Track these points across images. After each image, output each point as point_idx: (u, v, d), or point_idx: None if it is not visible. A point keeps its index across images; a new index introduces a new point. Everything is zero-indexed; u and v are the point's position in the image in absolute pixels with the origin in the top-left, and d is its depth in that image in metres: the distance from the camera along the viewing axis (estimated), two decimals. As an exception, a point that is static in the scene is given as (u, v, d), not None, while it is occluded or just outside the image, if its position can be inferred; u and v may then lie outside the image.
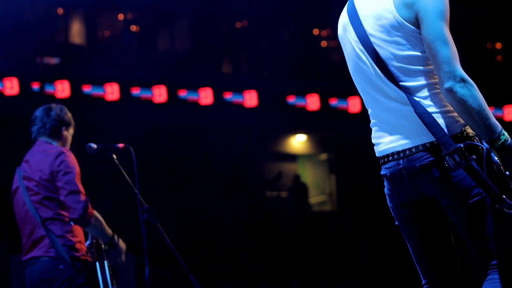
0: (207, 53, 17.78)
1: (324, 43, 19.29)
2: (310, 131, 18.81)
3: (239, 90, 17.07)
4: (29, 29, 15.40)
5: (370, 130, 3.15)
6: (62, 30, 16.98)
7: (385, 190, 3.13)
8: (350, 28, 3.07)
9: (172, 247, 5.02)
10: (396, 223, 3.16)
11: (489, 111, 2.85)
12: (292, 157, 19.40)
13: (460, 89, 2.82)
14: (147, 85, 16.32)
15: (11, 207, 4.95)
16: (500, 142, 2.86)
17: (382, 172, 3.10)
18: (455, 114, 2.92)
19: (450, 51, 2.85)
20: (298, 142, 19.25)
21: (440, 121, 2.91)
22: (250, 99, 17.08)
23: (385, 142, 3.05)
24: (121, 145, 5.14)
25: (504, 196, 2.80)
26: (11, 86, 14.95)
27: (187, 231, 13.89)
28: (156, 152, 15.62)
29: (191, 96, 16.73)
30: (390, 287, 12.94)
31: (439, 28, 2.87)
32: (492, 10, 18.62)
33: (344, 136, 17.85)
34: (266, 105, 17.16)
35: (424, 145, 2.94)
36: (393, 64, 2.96)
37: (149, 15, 17.34)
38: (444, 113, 2.93)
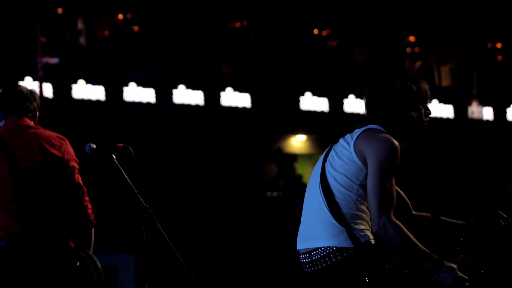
0: (207, 52, 17.78)
1: (324, 43, 19.28)
2: (310, 131, 18.80)
3: (239, 90, 17.07)
4: (29, 28, 15.40)
5: None
6: (62, 30, 16.98)
7: None
8: None
9: (172, 246, 5.02)
10: None
11: None
12: (292, 157, 19.38)
13: None
14: (147, 85, 16.32)
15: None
16: None
17: None
18: None
19: None
20: (298, 142, 19.24)
21: None
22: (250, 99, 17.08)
23: None
24: (120, 145, 5.13)
25: None
26: (11, 86, 14.92)
27: (187, 231, 13.88)
28: (156, 152, 15.62)
29: (191, 96, 16.72)
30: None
31: None
32: (492, 10, 18.63)
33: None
34: (266, 105, 17.15)
35: None
36: None
37: (149, 15, 17.34)
38: None
